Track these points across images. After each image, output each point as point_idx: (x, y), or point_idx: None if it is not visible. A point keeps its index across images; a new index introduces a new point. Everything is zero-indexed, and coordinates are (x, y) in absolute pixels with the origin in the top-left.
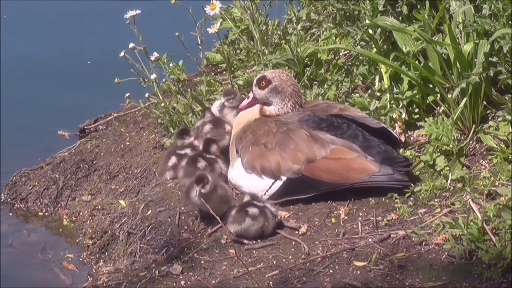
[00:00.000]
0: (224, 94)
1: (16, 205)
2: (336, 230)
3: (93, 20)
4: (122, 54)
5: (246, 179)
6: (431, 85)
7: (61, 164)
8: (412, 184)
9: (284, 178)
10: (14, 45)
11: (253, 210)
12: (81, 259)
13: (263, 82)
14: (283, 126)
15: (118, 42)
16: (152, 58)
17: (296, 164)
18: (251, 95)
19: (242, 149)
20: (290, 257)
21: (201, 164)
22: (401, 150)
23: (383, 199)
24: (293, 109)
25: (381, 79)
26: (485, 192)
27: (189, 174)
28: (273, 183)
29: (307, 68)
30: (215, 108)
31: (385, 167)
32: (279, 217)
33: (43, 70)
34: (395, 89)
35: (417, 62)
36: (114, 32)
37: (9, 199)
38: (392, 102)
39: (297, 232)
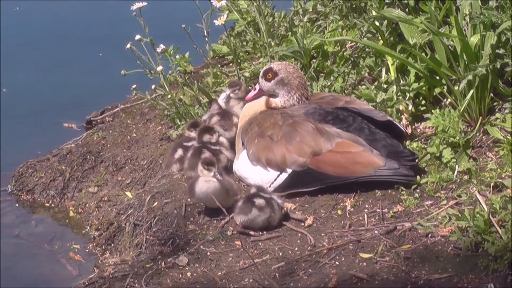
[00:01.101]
0: (229, 86)
1: (22, 196)
2: (342, 222)
3: (99, 11)
4: (128, 46)
5: (252, 171)
6: (437, 77)
7: (68, 155)
8: (418, 176)
9: (289, 170)
10: (20, 38)
11: (259, 201)
12: (87, 250)
13: (270, 74)
14: (289, 119)
15: (125, 33)
16: (159, 50)
17: (302, 157)
18: (257, 87)
19: (248, 141)
20: (296, 249)
21: (206, 155)
22: (407, 142)
23: (389, 191)
24: (299, 101)
25: (387, 71)
26: (492, 184)
27: (193, 166)
28: (278, 176)
29: (314, 60)
30: (221, 99)
31: (391, 161)
32: (285, 208)
33: (50, 61)
34: (401, 81)
35: (423, 54)
36: (121, 24)
37: (15, 191)
38: (398, 94)
39: (303, 224)
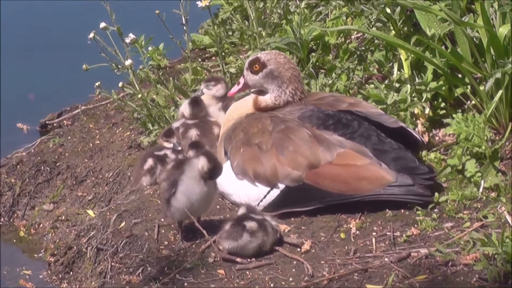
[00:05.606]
0: (205, 80)
1: None
2: (346, 248)
3: None
4: (91, 35)
5: (237, 186)
6: (460, 75)
7: (18, 166)
8: (436, 193)
9: (281, 186)
10: None
11: (251, 225)
12: (41, 277)
13: (257, 65)
14: (281, 124)
15: (88, 21)
16: (128, 40)
17: (296, 170)
18: (242, 80)
19: (231, 150)
20: (290, 279)
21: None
22: (423, 153)
23: (402, 210)
24: (293, 96)
25: (400, 67)
26: None
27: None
28: (268, 192)
29: (313, 54)
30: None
31: (403, 176)
32: (280, 232)
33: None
34: (417, 79)
35: (443, 47)
36: (84, 10)
37: None
38: (413, 94)
39: (299, 249)
